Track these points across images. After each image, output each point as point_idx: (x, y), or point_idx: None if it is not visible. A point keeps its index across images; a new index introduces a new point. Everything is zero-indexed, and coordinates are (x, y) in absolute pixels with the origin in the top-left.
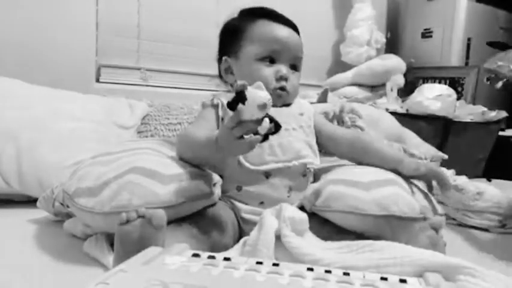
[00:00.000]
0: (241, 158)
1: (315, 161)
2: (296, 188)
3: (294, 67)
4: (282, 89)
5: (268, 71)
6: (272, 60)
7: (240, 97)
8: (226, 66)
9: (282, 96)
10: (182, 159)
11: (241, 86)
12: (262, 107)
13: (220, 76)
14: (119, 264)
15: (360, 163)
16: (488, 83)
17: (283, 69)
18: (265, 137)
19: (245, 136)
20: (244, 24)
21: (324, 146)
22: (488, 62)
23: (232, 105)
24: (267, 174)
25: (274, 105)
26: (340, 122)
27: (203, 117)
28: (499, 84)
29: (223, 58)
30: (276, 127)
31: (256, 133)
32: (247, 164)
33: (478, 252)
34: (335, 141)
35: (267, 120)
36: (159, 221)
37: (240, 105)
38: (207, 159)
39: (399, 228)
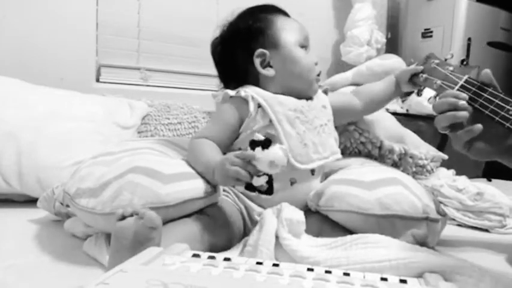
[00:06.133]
0: (291, 157)
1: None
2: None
3: None
4: (318, 75)
5: (310, 58)
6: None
7: (265, 143)
8: (262, 59)
9: (318, 83)
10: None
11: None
12: (274, 165)
13: (220, 76)
14: (113, 259)
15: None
16: (420, 96)
17: (315, 58)
18: (253, 189)
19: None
20: (269, 17)
21: (344, 119)
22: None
23: (253, 145)
24: (292, 181)
25: (309, 98)
26: None
27: (219, 116)
28: (431, 99)
29: (259, 51)
30: (268, 191)
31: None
32: (297, 164)
33: (478, 253)
34: (350, 108)
35: (266, 177)
36: (150, 223)
37: (259, 150)
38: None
39: (402, 228)
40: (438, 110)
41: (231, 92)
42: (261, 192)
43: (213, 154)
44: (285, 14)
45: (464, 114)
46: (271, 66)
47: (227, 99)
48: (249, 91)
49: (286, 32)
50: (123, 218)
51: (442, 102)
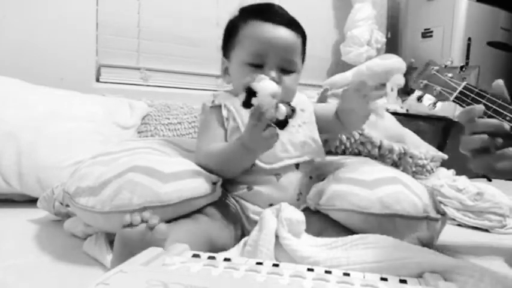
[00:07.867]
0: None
1: (321, 156)
2: (305, 192)
3: (286, 70)
4: None
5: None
6: (260, 65)
7: (250, 93)
8: (224, 67)
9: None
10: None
11: (246, 83)
12: (274, 94)
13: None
14: (117, 262)
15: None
16: (420, 102)
17: (271, 73)
18: (285, 123)
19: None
20: (237, 25)
21: (331, 130)
22: (412, 82)
23: (247, 103)
24: (278, 176)
25: None
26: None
27: (209, 126)
28: (430, 105)
29: (222, 59)
30: (292, 110)
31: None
32: (260, 164)
33: (478, 253)
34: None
35: (281, 105)
36: (161, 235)
37: (254, 99)
38: (241, 165)
39: (402, 227)
40: (474, 130)
41: (209, 103)
42: (291, 116)
43: (227, 143)
44: (267, 16)
45: (501, 141)
46: (229, 75)
47: (207, 109)
48: (221, 99)
49: (241, 46)
50: (129, 224)
51: (486, 124)
